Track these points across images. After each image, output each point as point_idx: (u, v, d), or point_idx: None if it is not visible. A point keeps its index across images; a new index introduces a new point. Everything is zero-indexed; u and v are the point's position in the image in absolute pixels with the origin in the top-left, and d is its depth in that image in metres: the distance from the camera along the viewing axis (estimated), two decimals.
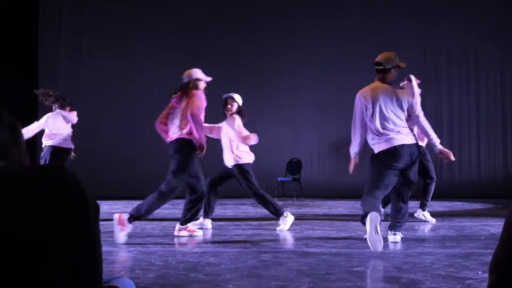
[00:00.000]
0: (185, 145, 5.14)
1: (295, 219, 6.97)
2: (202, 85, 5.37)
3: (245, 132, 5.95)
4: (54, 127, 7.29)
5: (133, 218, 4.93)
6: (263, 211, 7.98)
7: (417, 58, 11.40)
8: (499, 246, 1.25)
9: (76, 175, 1.14)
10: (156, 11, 11.47)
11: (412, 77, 5.49)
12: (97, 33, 11.48)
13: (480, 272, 3.53)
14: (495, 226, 6.07)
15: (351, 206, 8.87)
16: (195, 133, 5.11)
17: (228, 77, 11.10)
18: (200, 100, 5.18)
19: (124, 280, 1.63)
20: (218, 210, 8.16)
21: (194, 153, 5.18)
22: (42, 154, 7.26)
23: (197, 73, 5.44)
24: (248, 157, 5.96)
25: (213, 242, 5.03)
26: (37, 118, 11.20)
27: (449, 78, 11.46)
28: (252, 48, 11.34)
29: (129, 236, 5.43)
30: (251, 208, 8.59)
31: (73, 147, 7.49)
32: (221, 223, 6.53)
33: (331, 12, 11.37)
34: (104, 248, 4.12)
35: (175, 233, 5.40)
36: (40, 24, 11.46)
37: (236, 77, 11.18)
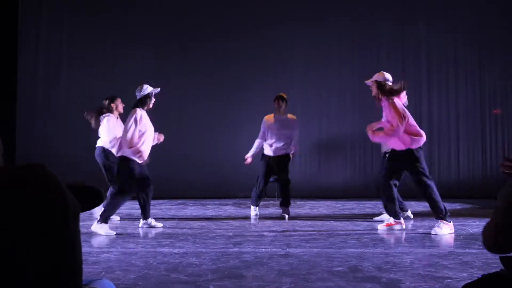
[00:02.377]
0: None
1: (277, 219, 6.99)
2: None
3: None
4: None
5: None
6: (245, 211, 7.99)
7: (396, 59, 11.51)
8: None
9: (57, 175, 1.13)
10: (138, 10, 11.38)
11: None
12: (78, 28, 11.34)
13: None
14: (474, 226, 6.16)
15: (332, 207, 8.93)
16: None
17: (210, 77, 11.08)
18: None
19: (104, 282, 1.61)
20: (199, 210, 8.14)
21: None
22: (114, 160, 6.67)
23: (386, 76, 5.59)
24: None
25: (194, 243, 5.01)
26: (15, 108, 11.06)
27: (429, 80, 11.58)
28: (234, 48, 11.31)
29: (110, 236, 5.39)
30: (232, 209, 8.58)
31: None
32: (203, 223, 6.51)
33: (313, 15, 11.40)
34: (84, 249, 4.08)
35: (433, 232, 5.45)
36: (20, 17, 11.28)
37: (218, 77, 11.16)
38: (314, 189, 11.02)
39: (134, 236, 5.52)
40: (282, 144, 7.11)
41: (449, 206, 9.04)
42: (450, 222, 5.49)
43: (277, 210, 8.29)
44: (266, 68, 11.26)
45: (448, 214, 5.53)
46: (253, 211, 7.37)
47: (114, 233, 5.52)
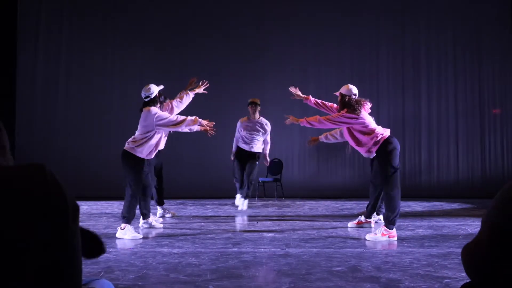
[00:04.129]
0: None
1: (277, 219, 7.00)
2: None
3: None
4: None
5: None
6: (244, 211, 7.99)
7: (396, 59, 11.52)
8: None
9: (56, 175, 1.13)
10: (138, 10, 11.39)
11: None
12: (77, 29, 11.34)
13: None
14: (473, 225, 6.16)
15: (332, 207, 8.92)
16: None
17: (210, 78, 11.05)
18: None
19: (103, 282, 1.61)
20: (199, 210, 8.14)
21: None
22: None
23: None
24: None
25: (194, 243, 5.01)
26: (15, 108, 11.06)
27: (428, 79, 11.59)
28: (234, 48, 11.32)
29: (109, 237, 5.39)
30: (232, 208, 8.58)
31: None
32: (202, 223, 6.51)
33: (312, 15, 11.41)
34: None
35: None
36: (19, 17, 11.28)
37: (218, 77, 11.15)
38: (314, 189, 11.03)
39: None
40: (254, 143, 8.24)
41: (449, 206, 9.07)
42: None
43: (277, 210, 8.30)
44: (265, 68, 11.26)
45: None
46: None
47: (141, 236, 5.49)
